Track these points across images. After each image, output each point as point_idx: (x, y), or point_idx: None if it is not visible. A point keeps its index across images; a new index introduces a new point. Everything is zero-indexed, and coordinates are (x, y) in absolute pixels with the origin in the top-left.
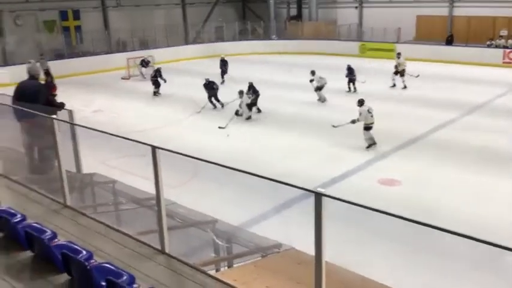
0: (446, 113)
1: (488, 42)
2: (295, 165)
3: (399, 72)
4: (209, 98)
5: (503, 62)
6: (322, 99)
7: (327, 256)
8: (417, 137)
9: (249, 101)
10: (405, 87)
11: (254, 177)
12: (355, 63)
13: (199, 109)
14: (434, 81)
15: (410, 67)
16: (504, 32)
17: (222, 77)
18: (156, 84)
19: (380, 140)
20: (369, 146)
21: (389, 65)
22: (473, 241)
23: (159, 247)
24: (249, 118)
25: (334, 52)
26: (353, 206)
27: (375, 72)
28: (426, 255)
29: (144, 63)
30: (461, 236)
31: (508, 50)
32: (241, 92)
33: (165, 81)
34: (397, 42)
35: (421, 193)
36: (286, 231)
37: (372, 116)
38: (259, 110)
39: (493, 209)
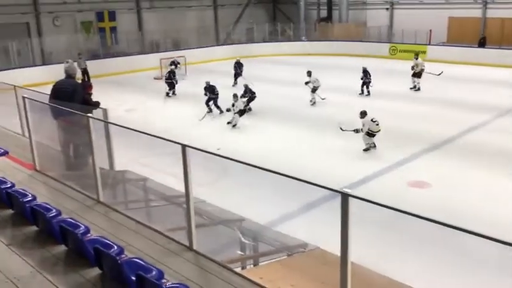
0: (478, 115)
1: None
2: (320, 165)
3: (416, 73)
4: (207, 101)
5: None
6: (314, 101)
7: (353, 257)
8: (448, 139)
9: (242, 106)
10: (418, 89)
11: (280, 176)
12: (385, 64)
13: (202, 117)
14: (465, 83)
15: (435, 67)
16: None
17: (235, 79)
18: (171, 86)
19: (409, 141)
20: (367, 149)
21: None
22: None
23: (187, 244)
24: (235, 126)
25: (364, 53)
26: (382, 207)
27: (398, 74)
28: (456, 259)
29: (174, 64)
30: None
31: None
32: (235, 96)
33: (176, 82)
34: (428, 44)
35: (452, 196)
36: (312, 231)
37: (377, 125)
38: (249, 109)
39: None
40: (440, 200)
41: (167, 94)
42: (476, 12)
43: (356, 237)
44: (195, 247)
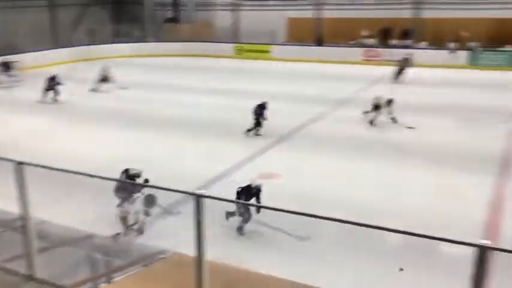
0: (318, 108)
1: (351, 42)
2: (174, 166)
3: None
4: None
5: (364, 59)
6: None
7: (211, 256)
8: (292, 130)
9: None
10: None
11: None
12: (231, 64)
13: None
14: (305, 79)
15: (280, 66)
16: (365, 32)
17: (45, 95)
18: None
19: (257, 136)
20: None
21: (265, 65)
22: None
23: (28, 272)
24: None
25: (211, 54)
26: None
27: (244, 73)
28: (309, 245)
29: (5, 67)
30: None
31: (368, 49)
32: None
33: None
34: (271, 44)
35: (300, 183)
36: (171, 236)
37: None
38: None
39: (366, 191)
40: (291, 188)
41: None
42: (312, 13)
43: (213, 236)
44: (37, 275)
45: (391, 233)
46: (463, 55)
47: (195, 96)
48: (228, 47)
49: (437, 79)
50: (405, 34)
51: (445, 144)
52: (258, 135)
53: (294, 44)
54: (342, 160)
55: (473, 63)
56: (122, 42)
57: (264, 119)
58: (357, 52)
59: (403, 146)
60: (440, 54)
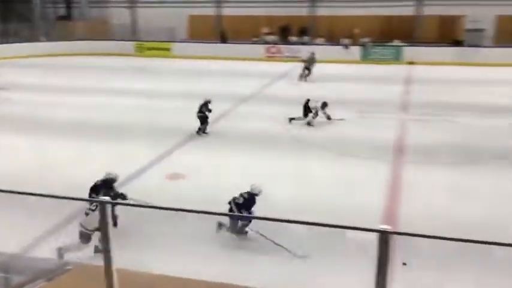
0: (223, 105)
1: (254, 39)
2: (77, 171)
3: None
4: None
5: (267, 56)
6: None
7: (119, 263)
8: (197, 129)
9: None
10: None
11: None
12: (132, 63)
13: None
14: (210, 76)
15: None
16: (266, 30)
17: None
18: None
19: (164, 136)
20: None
21: (167, 63)
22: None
23: None
24: None
25: (109, 52)
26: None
27: (146, 72)
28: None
29: None
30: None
31: (270, 46)
32: None
33: None
34: (172, 41)
35: (205, 182)
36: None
37: None
38: None
39: (273, 185)
40: (196, 188)
41: None
42: (214, 11)
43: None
44: None
45: (299, 225)
46: (356, 50)
47: (95, 97)
48: (128, 45)
49: (334, 74)
50: (303, 31)
51: (345, 135)
52: (205, 133)
53: (197, 41)
54: (247, 156)
55: (365, 58)
56: (10, 42)
57: (207, 116)
58: (260, 49)
59: (306, 139)
60: (336, 50)
